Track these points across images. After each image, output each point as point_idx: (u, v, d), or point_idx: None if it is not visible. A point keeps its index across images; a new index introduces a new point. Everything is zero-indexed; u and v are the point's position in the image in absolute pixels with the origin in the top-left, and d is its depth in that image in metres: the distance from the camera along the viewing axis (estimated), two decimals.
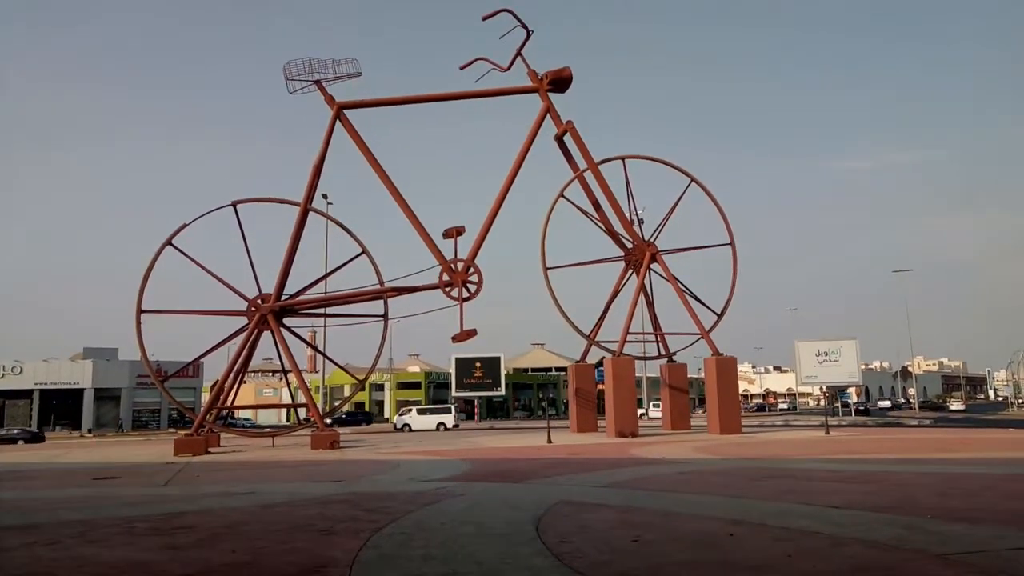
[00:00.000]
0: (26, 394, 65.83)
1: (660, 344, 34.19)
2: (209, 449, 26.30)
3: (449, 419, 48.91)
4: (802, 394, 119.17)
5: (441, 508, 10.60)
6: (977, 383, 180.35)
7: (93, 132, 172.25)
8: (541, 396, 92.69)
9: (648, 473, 14.94)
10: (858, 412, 60.47)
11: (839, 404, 60.55)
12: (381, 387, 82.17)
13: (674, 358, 34.42)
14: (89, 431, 62.09)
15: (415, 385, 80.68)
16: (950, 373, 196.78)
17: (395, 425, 50.42)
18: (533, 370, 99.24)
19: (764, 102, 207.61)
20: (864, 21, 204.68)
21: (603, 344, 32.70)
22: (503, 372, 67.37)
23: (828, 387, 62.66)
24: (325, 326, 36.80)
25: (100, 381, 66.91)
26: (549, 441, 26.72)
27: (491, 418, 77.70)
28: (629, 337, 31.57)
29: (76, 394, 66.42)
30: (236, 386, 29.26)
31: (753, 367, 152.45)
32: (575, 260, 34.17)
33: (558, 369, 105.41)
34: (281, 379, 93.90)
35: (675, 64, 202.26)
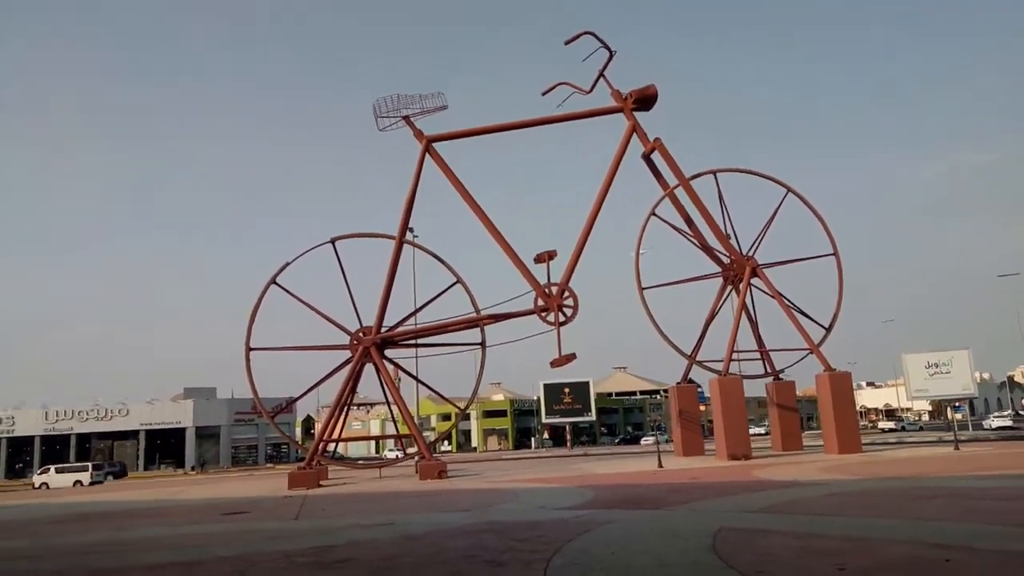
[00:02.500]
0: (133, 435, 68.79)
1: (765, 362, 32.90)
2: (320, 482, 26.53)
3: (85, 477, 45.96)
4: (902, 410, 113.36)
5: (597, 538, 10.15)
6: None
7: (191, 177, 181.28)
8: (627, 421, 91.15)
9: (794, 496, 14.11)
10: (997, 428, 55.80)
11: (954, 418, 56.95)
12: (467, 416, 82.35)
13: (781, 376, 33.05)
14: (192, 468, 64.19)
15: (501, 413, 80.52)
16: None
17: (34, 484, 47.71)
18: (616, 394, 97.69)
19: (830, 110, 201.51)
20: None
21: (706, 364, 31.71)
22: (592, 397, 66.46)
23: (942, 401, 59.45)
24: (417, 357, 36.99)
25: (200, 419, 69.33)
26: (660, 466, 25.88)
27: (574, 444, 76.56)
28: (733, 356, 30.54)
29: (179, 433, 68.98)
30: (344, 419, 29.56)
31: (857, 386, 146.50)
32: (665, 280, 33.41)
33: (642, 393, 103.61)
34: (368, 411, 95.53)
35: (742, 75, 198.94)
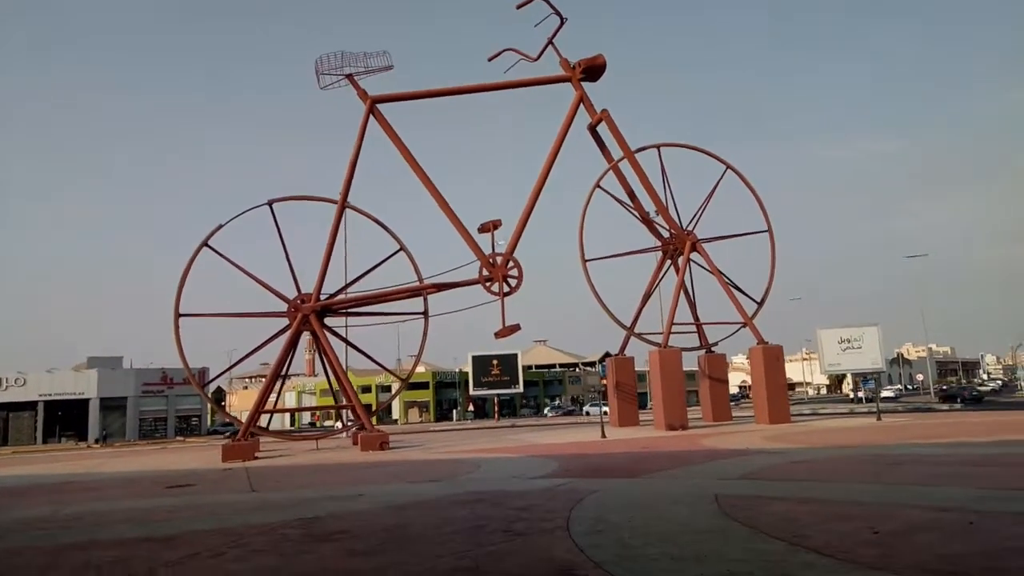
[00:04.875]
0: (31, 406, 64.33)
1: (700, 335, 33.68)
2: (255, 455, 25.47)
3: None
4: (803, 383, 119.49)
5: (598, 505, 9.99)
6: (970, 368, 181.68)
7: (102, 135, 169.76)
8: (547, 393, 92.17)
9: (763, 464, 14.40)
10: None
11: (860, 392, 60.34)
12: (388, 388, 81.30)
13: (713, 349, 33.93)
14: (96, 441, 60.74)
15: (423, 386, 79.70)
16: (942, 359, 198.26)
17: None
18: (537, 367, 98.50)
19: (756, 89, 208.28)
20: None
21: (644, 336, 32.20)
22: (520, 369, 66.68)
23: (853, 374, 62.73)
24: (347, 325, 36.00)
25: (106, 391, 65.45)
26: (603, 435, 26.15)
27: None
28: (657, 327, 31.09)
29: (82, 404, 64.92)
30: (280, 389, 28.44)
31: (748, 358, 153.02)
32: (605, 253, 33.61)
33: (561, 365, 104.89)
34: (283, 384, 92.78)
35: (682, 55, 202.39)
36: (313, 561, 7.32)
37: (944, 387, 77.45)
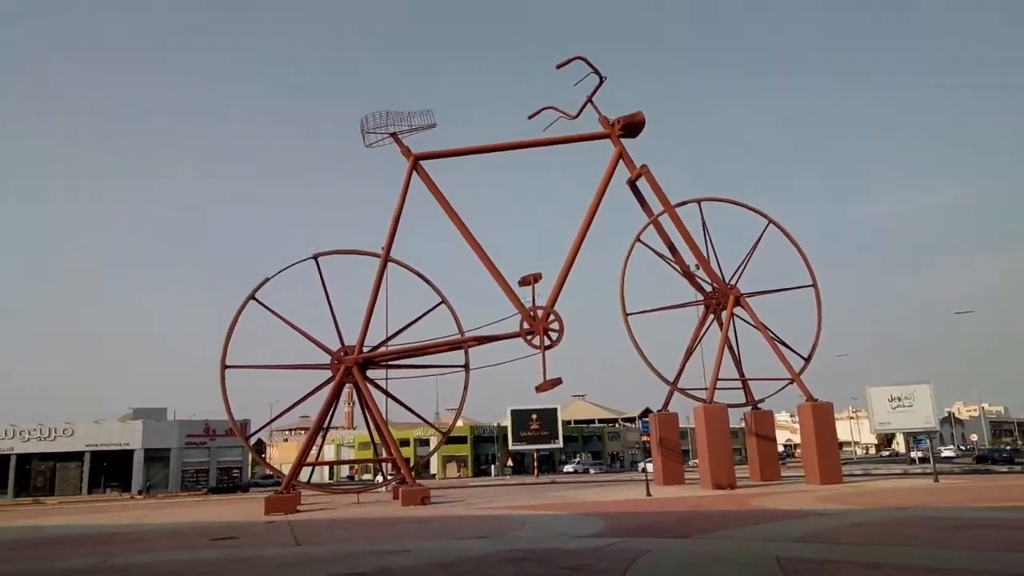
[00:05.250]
0: (77, 456, 65.38)
1: (745, 391, 32.93)
2: (297, 507, 25.36)
3: None
4: (852, 443, 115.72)
5: (653, 567, 9.65)
6: None
7: (140, 183, 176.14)
8: (586, 449, 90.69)
9: (820, 526, 13.82)
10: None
11: (914, 452, 58.13)
12: (427, 442, 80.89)
13: (759, 405, 33.12)
14: (140, 492, 61.26)
15: (461, 440, 79.14)
16: (995, 418, 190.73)
17: None
18: (576, 422, 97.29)
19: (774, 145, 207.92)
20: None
21: (689, 392, 31.61)
22: (560, 424, 65.82)
23: (905, 434, 60.59)
24: (386, 378, 36.00)
25: (150, 442, 66.27)
26: (648, 494, 25.50)
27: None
28: (702, 383, 30.48)
29: (127, 455, 65.79)
30: (322, 442, 28.46)
31: (792, 417, 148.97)
32: (645, 307, 33.19)
33: (600, 421, 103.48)
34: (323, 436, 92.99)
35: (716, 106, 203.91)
36: None
37: (977, 449, 74.46)
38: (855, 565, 9.08)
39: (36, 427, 65.13)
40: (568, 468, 72.91)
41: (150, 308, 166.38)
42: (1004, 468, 43.70)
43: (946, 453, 64.72)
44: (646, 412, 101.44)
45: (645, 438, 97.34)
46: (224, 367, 27.44)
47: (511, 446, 66.83)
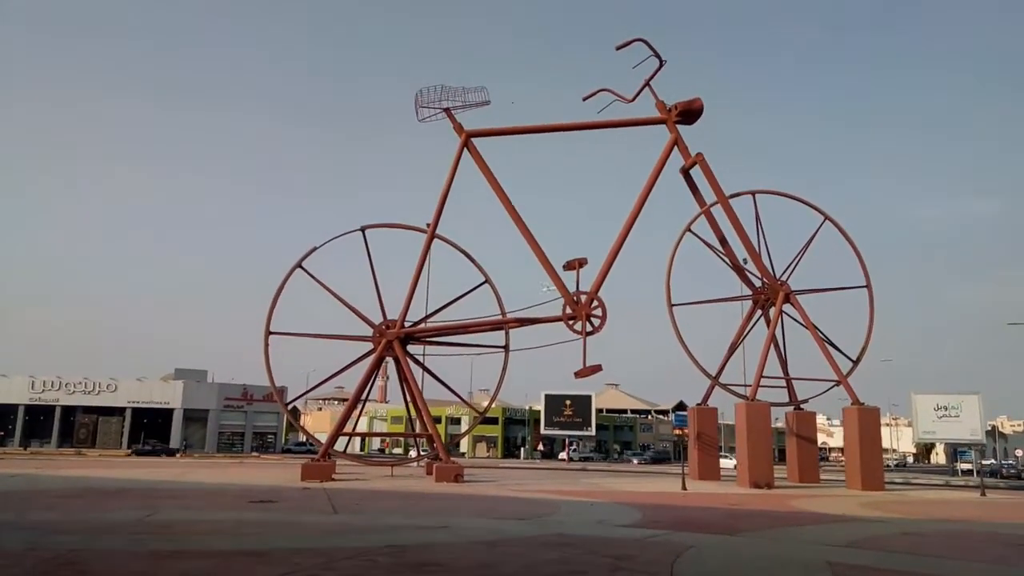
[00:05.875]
0: (119, 411, 67.19)
1: (788, 390, 32.21)
2: (332, 476, 25.59)
3: None
4: (891, 450, 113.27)
5: (700, 562, 9.41)
6: None
7: (198, 154, 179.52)
8: (616, 439, 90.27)
9: (869, 532, 13.41)
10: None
11: (957, 463, 56.50)
12: (458, 421, 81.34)
13: (802, 406, 32.38)
14: (177, 451, 62.73)
15: (492, 421, 79.29)
16: None
17: None
18: (608, 411, 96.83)
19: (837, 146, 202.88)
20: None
21: (730, 387, 31.06)
22: (593, 412, 65.56)
23: (948, 444, 59.02)
24: (424, 354, 36.07)
25: (189, 402, 67.84)
26: (684, 487, 25.14)
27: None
28: (739, 380, 29.90)
29: (166, 414, 67.46)
30: (359, 412, 28.65)
31: (828, 419, 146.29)
32: (686, 299, 32.60)
33: (633, 411, 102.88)
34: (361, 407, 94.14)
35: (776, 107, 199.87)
36: None
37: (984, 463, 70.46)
38: (906, 574, 8.70)
39: (82, 380, 67.03)
40: (562, 456, 70.64)
41: (198, 270, 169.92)
42: None
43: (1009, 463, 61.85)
44: (680, 405, 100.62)
45: (678, 432, 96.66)
46: (268, 333, 27.72)
47: (543, 430, 66.77)
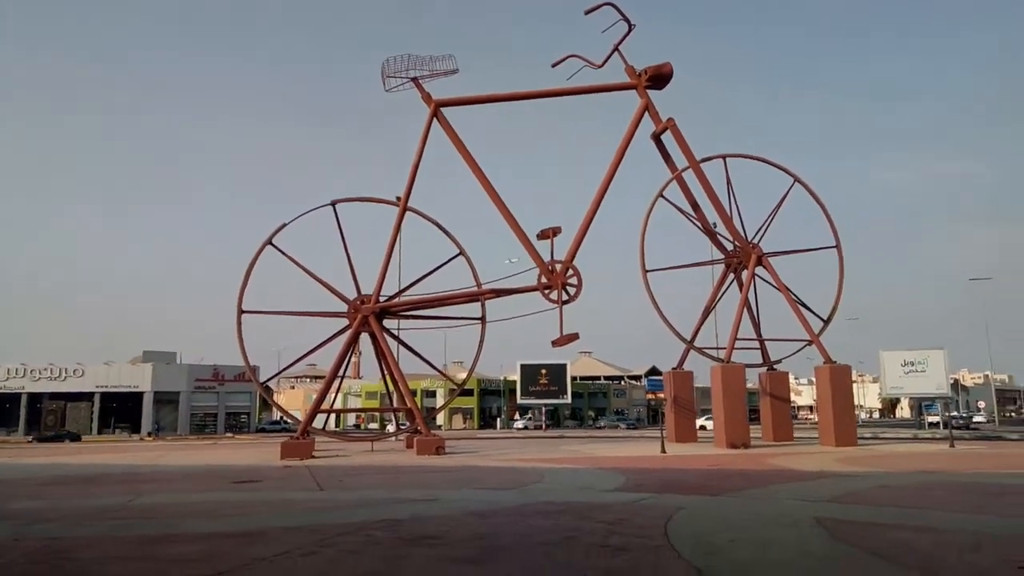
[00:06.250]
0: (88, 396, 66.09)
1: (762, 352, 32.70)
2: (312, 453, 25.44)
3: None
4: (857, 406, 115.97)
5: (692, 523, 9.54)
6: None
7: (161, 134, 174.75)
8: (591, 406, 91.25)
9: (849, 487, 13.70)
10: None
11: (924, 416, 58.22)
12: (433, 394, 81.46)
13: (775, 366, 32.93)
14: (149, 434, 62.00)
15: (467, 392, 79.58)
16: (1000, 387, 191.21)
17: None
18: (581, 378, 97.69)
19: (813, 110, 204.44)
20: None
21: (705, 351, 31.41)
22: (569, 380, 66.04)
23: (914, 398, 60.59)
24: (412, 329, 35.91)
25: (159, 384, 66.95)
26: (663, 451, 25.50)
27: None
28: (712, 343, 30.28)
29: (136, 397, 66.50)
30: (338, 388, 28.45)
31: (795, 378, 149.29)
32: (663, 264, 32.81)
33: (606, 378, 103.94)
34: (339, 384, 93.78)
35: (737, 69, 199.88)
36: (417, 568, 7.01)
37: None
38: (902, 528, 8.90)
39: (47, 367, 65.76)
40: (519, 423, 71.72)
41: (163, 251, 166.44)
42: (1015, 436, 43.71)
43: (978, 419, 65.25)
44: (653, 371, 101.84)
45: (651, 396, 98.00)
46: (240, 312, 27.30)
47: (519, 400, 67.19)
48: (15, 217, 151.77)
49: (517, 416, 75.49)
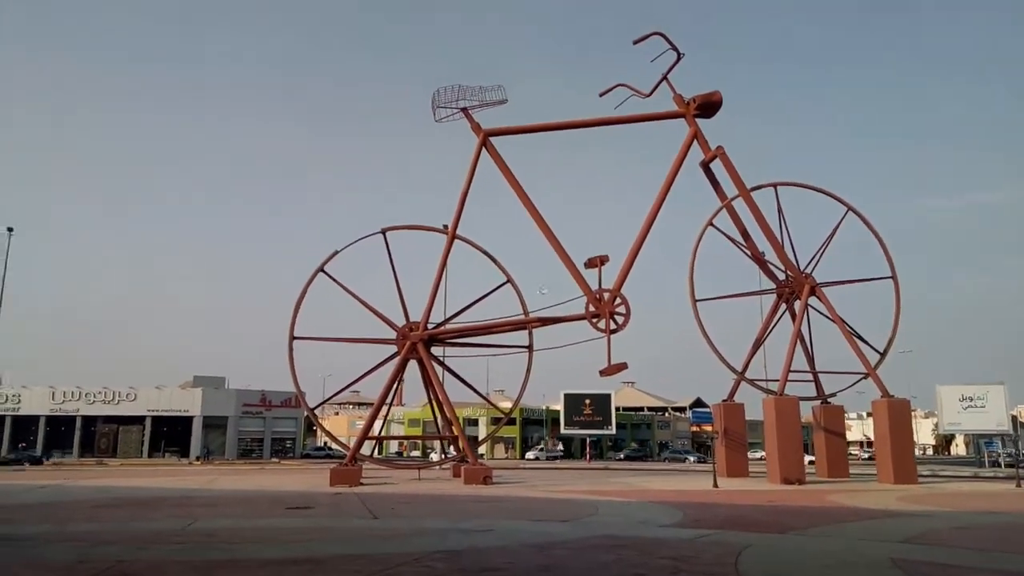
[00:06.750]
0: (139, 420, 67.51)
1: (816, 384, 31.87)
2: (360, 480, 25.47)
3: None
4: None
5: (761, 562, 9.19)
6: None
7: (207, 160, 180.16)
8: (634, 437, 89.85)
9: (920, 527, 13.13)
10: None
11: (985, 454, 55.87)
12: (475, 422, 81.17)
13: (830, 399, 32.04)
14: (197, 458, 62.95)
15: (510, 421, 79.18)
16: None
17: None
18: (624, 409, 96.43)
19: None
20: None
21: (756, 383, 30.74)
22: (613, 410, 65.24)
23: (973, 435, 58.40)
24: (458, 356, 35.89)
25: (208, 409, 68.11)
26: (715, 485, 24.87)
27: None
28: (761, 375, 29.63)
29: (186, 421, 67.71)
30: (386, 416, 28.54)
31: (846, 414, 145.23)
32: (707, 295, 32.19)
33: (649, 409, 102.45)
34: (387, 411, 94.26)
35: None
36: None
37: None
38: (982, 572, 8.46)
39: (101, 390, 67.42)
40: (530, 455, 70.73)
41: (214, 275, 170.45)
42: None
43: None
44: (698, 402, 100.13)
45: (695, 428, 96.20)
46: (292, 338, 27.65)
47: (563, 430, 66.49)
48: (84, 254, 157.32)
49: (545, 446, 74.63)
